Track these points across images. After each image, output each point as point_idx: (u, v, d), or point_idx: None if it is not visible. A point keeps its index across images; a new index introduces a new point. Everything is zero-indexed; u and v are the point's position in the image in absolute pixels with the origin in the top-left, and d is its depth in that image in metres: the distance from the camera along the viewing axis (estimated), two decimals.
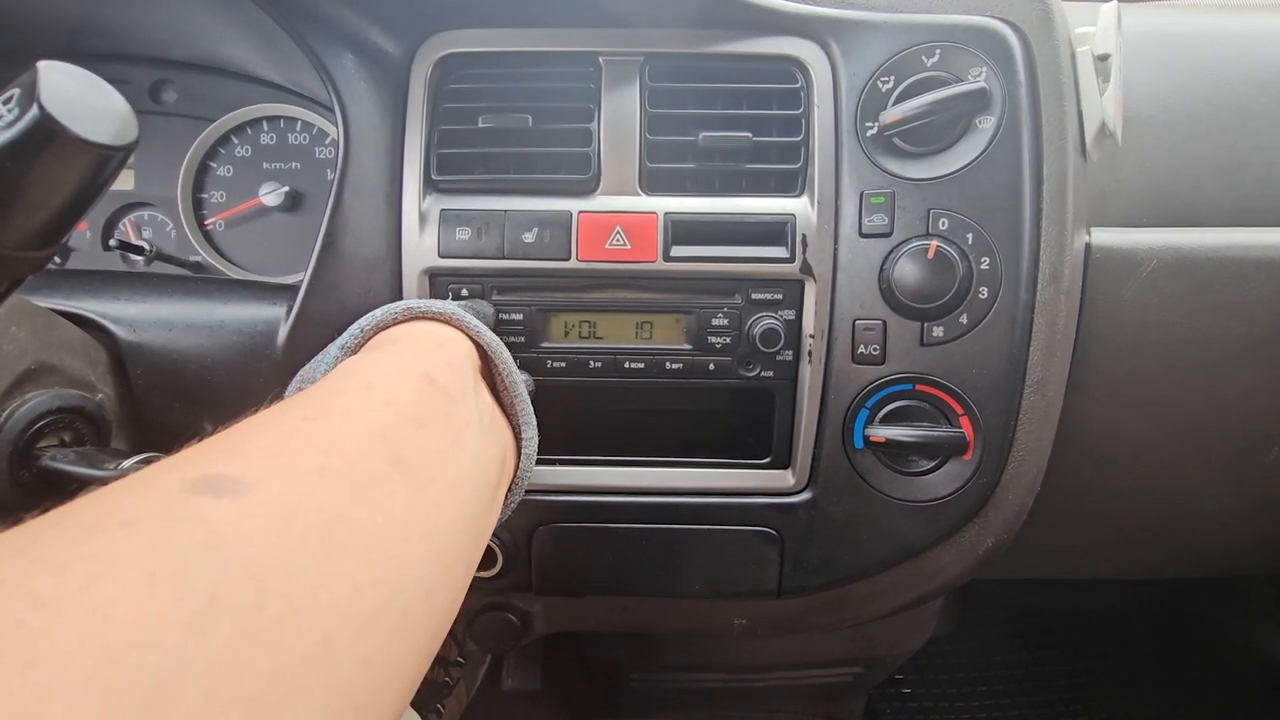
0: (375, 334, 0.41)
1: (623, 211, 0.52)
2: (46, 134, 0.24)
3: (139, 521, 0.20)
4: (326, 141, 0.66)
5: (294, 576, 0.21)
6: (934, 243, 0.50)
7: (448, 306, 0.43)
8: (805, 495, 0.55)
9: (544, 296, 0.54)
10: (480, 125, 0.53)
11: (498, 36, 0.54)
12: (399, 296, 0.53)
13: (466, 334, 0.42)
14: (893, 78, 0.51)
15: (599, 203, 0.53)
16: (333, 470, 0.26)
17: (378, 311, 0.42)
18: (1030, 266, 0.50)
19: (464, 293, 0.54)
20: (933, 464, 0.53)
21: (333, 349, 0.41)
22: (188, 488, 0.22)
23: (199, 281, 0.54)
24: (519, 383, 0.43)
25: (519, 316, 0.54)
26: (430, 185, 0.53)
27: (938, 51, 0.50)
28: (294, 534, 0.22)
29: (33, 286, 0.49)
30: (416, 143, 0.53)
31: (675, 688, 1.00)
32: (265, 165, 0.66)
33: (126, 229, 0.66)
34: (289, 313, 0.50)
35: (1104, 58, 0.51)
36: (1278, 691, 1.03)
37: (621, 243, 0.52)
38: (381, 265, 0.52)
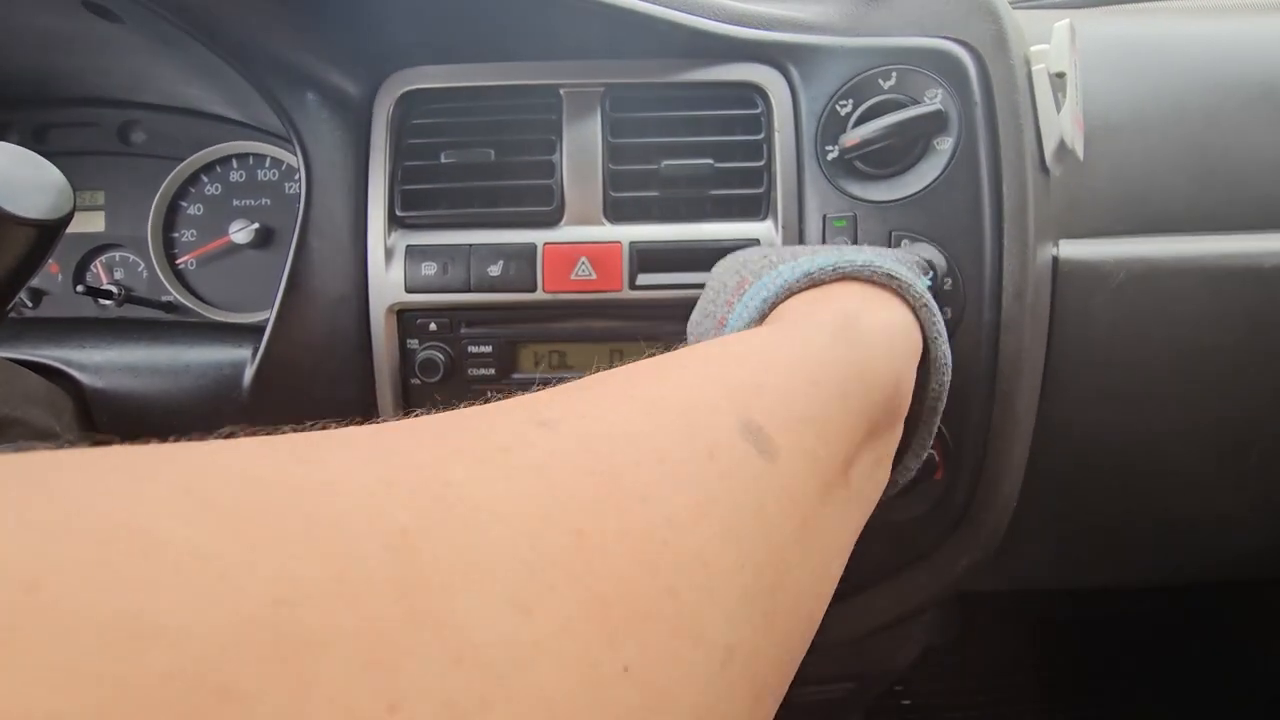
0: (806, 289, 0.34)
1: (587, 242, 0.53)
2: None
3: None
4: (296, 177, 0.66)
5: None
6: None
7: (917, 284, 0.35)
8: None
9: (512, 328, 0.54)
10: (443, 160, 0.53)
11: (459, 72, 0.54)
12: (366, 334, 0.53)
13: (924, 332, 0.34)
14: (851, 101, 0.51)
15: (564, 233, 0.53)
16: None
17: (806, 262, 0.34)
18: (993, 285, 0.50)
19: (430, 326, 0.53)
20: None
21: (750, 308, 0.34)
22: None
23: (165, 325, 0.54)
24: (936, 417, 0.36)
25: (488, 349, 0.54)
26: (395, 221, 0.53)
27: (894, 74, 0.51)
28: None
29: None
30: (380, 179, 0.53)
31: None
32: (235, 202, 0.66)
33: (98, 270, 0.66)
34: (254, 355, 0.51)
35: (1060, 75, 0.51)
36: None
37: (587, 273, 0.52)
38: (348, 303, 0.52)
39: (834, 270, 0.35)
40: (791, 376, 0.25)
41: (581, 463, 0.18)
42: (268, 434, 0.16)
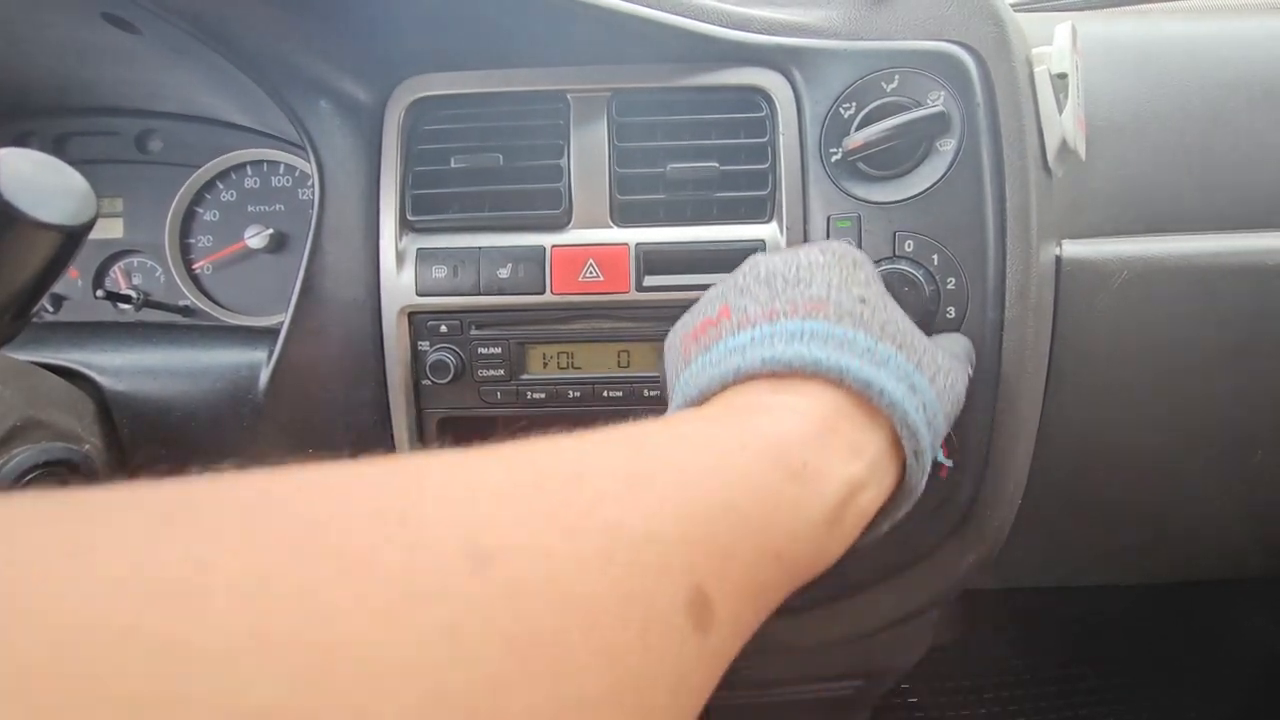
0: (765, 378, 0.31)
1: (595, 244, 0.53)
2: (6, 220, 0.25)
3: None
4: (309, 183, 0.67)
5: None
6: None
7: (903, 404, 0.30)
8: None
9: (521, 330, 0.55)
10: (453, 165, 0.54)
11: (468, 79, 0.55)
12: (379, 337, 0.54)
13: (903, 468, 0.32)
14: (854, 104, 0.52)
15: (571, 236, 0.54)
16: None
17: (781, 347, 0.31)
18: (996, 285, 0.50)
19: (441, 328, 0.54)
20: None
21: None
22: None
23: (183, 329, 0.55)
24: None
25: (498, 350, 0.55)
26: (406, 225, 0.55)
27: (896, 77, 0.51)
28: None
29: (21, 341, 0.51)
30: (391, 184, 0.54)
31: None
32: (250, 208, 0.67)
33: (116, 276, 0.67)
34: (270, 357, 0.52)
35: (1062, 76, 0.51)
36: None
37: (594, 275, 0.53)
38: (361, 306, 0.53)
39: (804, 368, 0.30)
40: (751, 539, 0.24)
41: (501, 627, 0.17)
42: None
